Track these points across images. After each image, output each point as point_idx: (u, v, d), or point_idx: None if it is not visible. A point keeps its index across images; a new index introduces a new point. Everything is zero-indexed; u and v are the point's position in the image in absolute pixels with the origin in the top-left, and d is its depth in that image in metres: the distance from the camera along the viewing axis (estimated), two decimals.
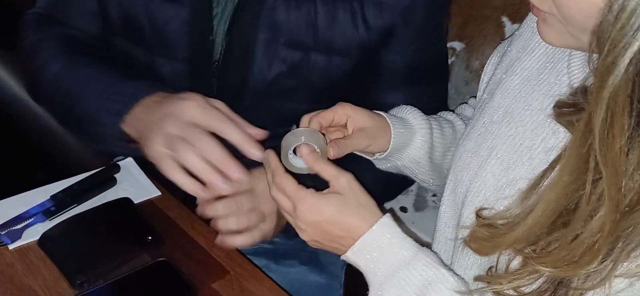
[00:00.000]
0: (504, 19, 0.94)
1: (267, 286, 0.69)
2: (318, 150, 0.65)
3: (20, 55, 0.91)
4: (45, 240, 0.71)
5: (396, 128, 0.72)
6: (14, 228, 0.74)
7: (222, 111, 0.69)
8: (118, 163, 0.86)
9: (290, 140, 0.65)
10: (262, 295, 0.68)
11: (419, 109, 0.80)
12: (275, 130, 0.72)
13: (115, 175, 0.84)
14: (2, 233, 0.73)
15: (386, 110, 0.77)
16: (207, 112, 0.67)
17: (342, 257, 0.65)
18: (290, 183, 0.63)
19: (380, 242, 0.62)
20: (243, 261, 0.72)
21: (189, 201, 0.80)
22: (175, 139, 0.65)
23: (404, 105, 0.77)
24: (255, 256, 0.80)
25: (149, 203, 0.81)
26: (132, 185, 0.84)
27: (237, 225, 0.71)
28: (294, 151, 0.66)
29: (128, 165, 0.87)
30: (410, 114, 0.75)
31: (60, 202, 0.78)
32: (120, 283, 0.67)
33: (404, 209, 1.16)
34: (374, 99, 0.83)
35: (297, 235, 0.66)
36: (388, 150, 0.72)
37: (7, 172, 1.89)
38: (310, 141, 0.65)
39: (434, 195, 1.10)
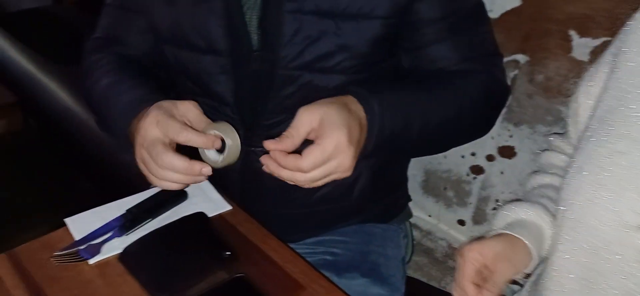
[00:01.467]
0: (572, 33, 0.92)
1: None
2: (230, 142, 0.73)
3: (80, 76, 0.95)
4: (126, 256, 0.73)
5: (530, 240, 0.67)
6: (92, 243, 0.76)
7: (181, 118, 0.74)
8: None
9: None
10: None
11: (469, 57, 0.82)
12: None
13: (186, 189, 0.86)
14: (81, 248, 0.75)
15: (436, 65, 0.82)
16: (164, 128, 0.72)
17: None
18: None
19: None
20: (319, 277, 0.72)
21: (258, 217, 0.83)
22: (146, 163, 0.74)
23: (512, 206, 0.72)
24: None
25: (219, 217, 0.82)
26: (203, 199, 0.85)
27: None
28: None
29: None
30: (525, 213, 0.70)
31: (135, 216, 0.80)
32: None
33: (461, 222, 1.15)
34: (421, 56, 0.83)
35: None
36: (533, 260, 0.67)
37: (56, 182, 1.94)
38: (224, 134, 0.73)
39: (495, 208, 1.09)
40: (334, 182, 0.88)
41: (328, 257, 0.92)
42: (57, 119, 1.68)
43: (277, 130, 0.84)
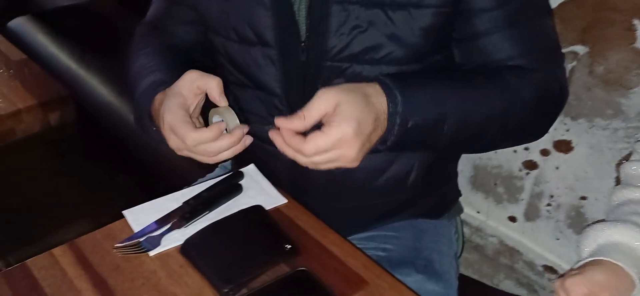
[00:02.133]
0: (636, 22, 0.89)
1: None
2: (233, 126, 0.74)
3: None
4: (187, 248, 0.72)
5: (630, 267, 0.63)
6: (152, 234, 0.76)
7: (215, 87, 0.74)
8: (241, 170, 0.88)
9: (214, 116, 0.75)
10: None
11: (526, 52, 0.78)
12: None
13: (241, 183, 0.85)
14: (142, 239, 0.75)
15: (489, 58, 0.78)
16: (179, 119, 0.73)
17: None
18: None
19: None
20: (381, 272, 0.71)
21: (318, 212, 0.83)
22: (182, 152, 0.75)
23: (602, 226, 0.68)
24: None
25: (276, 211, 0.81)
26: (258, 192, 0.84)
27: None
28: None
29: (251, 172, 0.88)
30: (619, 234, 0.66)
31: (192, 209, 0.79)
32: (265, 291, 0.67)
33: (512, 219, 1.12)
34: (472, 48, 0.80)
35: None
36: (636, 288, 0.64)
37: (97, 176, 1.96)
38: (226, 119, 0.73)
39: (549, 204, 1.06)
40: (389, 175, 0.87)
41: (380, 253, 0.91)
42: (98, 114, 1.70)
43: None
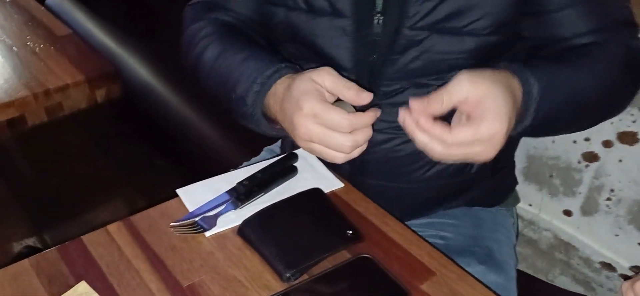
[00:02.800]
0: None
1: (480, 291, 0.64)
2: None
3: (182, 44, 0.93)
4: (245, 229, 0.70)
5: None
6: (207, 215, 0.74)
7: (330, 81, 0.69)
8: (295, 152, 0.85)
9: None
10: None
11: (601, 27, 0.75)
12: (439, 79, 0.75)
13: (296, 164, 0.82)
14: (198, 219, 0.73)
15: (560, 33, 0.75)
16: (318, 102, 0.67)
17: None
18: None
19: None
20: (447, 261, 0.68)
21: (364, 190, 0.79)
22: (313, 142, 0.68)
23: None
24: None
25: (333, 195, 0.78)
26: (313, 175, 0.81)
27: None
28: None
29: (304, 154, 0.85)
30: None
31: (248, 190, 0.77)
32: (326, 279, 0.64)
33: (567, 213, 1.08)
34: (545, 22, 0.77)
35: None
36: None
37: (133, 156, 1.96)
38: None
39: (609, 199, 1.01)
40: None
41: (439, 240, 0.87)
42: (136, 94, 1.69)
43: (396, 98, 0.80)
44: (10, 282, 0.64)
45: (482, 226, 0.90)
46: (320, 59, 0.82)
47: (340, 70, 0.81)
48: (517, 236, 1.02)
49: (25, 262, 0.66)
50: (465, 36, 0.75)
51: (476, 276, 0.75)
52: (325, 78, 0.69)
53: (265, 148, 1.09)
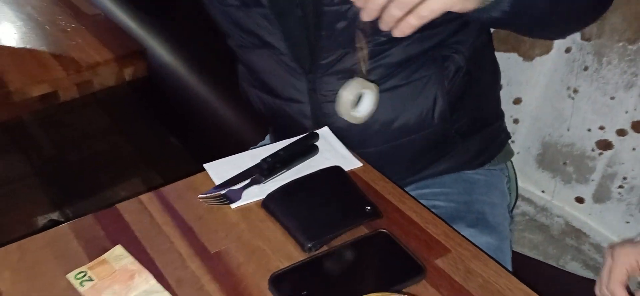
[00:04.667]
0: None
1: (493, 267, 0.67)
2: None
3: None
4: (269, 202, 0.74)
5: None
6: (233, 188, 0.78)
7: None
8: (316, 132, 0.88)
9: (349, 92, 0.71)
10: (490, 278, 0.66)
11: None
12: (372, 41, 0.79)
13: (317, 143, 0.86)
14: (224, 192, 0.77)
15: None
16: None
17: None
18: None
19: None
20: (462, 240, 0.71)
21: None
22: None
23: None
24: None
25: (352, 173, 0.81)
26: (333, 155, 0.85)
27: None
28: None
29: (325, 134, 0.89)
30: None
31: (271, 166, 0.80)
32: (345, 250, 0.67)
33: (580, 199, 1.10)
34: None
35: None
36: None
37: (150, 135, 2.01)
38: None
39: (621, 187, 1.03)
40: (412, 111, 0.85)
41: (432, 210, 0.90)
42: (154, 75, 1.73)
43: (338, 66, 0.85)
44: (51, 244, 0.69)
45: (474, 191, 0.93)
46: (264, 45, 0.87)
47: (280, 54, 0.87)
48: (517, 193, 1.04)
49: (64, 226, 0.71)
50: None
51: (468, 238, 0.78)
52: None
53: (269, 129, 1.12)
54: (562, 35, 0.91)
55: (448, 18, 0.65)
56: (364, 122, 0.82)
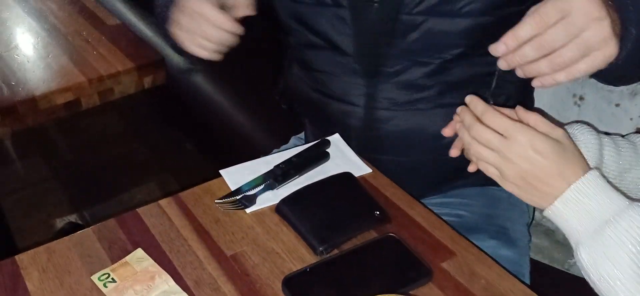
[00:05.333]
0: None
1: (497, 271, 0.70)
2: None
3: None
4: (282, 207, 0.77)
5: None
6: (248, 193, 0.81)
7: None
8: (328, 139, 0.92)
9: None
10: (494, 280, 0.68)
11: None
12: (438, 57, 0.82)
13: (328, 150, 0.89)
14: (239, 197, 0.80)
15: None
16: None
17: (545, 211, 0.63)
18: (505, 118, 0.63)
19: (595, 190, 0.60)
20: (468, 245, 0.73)
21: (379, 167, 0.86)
22: (187, 26, 0.79)
23: (576, 123, 0.74)
24: None
25: (362, 180, 0.85)
26: (343, 161, 0.88)
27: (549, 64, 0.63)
28: None
29: (336, 141, 0.92)
30: (578, 129, 0.72)
31: (284, 172, 0.84)
32: (355, 254, 0.71)
33: None
34: None
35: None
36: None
37: (165, 141, 2.06)
38: None
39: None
40: None
41: (454, 218, 0.93)
42: (170, 82, 1.78)
43: (401, 77, 0.86)
44: (77, 246, 0.73)
45: (497, 206, 0.95)
46: (329, 46, 0.88)
47: (345, 56, 0.88)
48: (533, 215, 1.06)
49: (88, 230, 0.75)
50: (461, 17, 0.80)
51: (488, 251, 0.81)
52: None
53: (293, 137, 1.16)
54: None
55: None
56: (416, 133, 0.87)
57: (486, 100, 0.72)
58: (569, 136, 0.65)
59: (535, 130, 0.64)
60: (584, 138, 0.72)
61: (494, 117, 0.64)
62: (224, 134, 1.73)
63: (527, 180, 0.62)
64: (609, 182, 0.62)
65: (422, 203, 0.80)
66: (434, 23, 0.81)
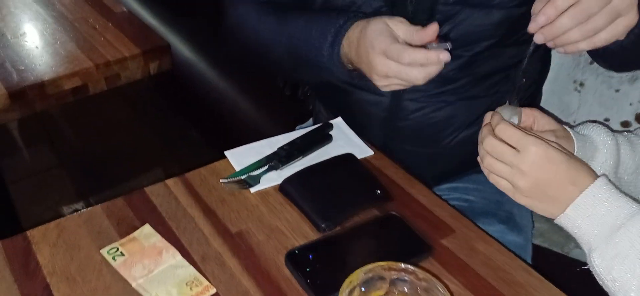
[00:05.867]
0: None
1: (496, 247, 0.71)
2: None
3: (228, 30, 1.01)
4: (285, 187, 0.79)
5: (578, 142, 0.70)
6: (252, 174, 0.83)
7: (399, 30, 0.74)
8: (331, 122, 0.93)
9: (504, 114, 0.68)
10: (492, 255, 0.70)
11: None
12: (470, 49, 0.82)
13: (331, 133, 0.91)
14: (244, 177, 0.82)
15: None
16: (391, 42, 0.73)
17: (557, 219, 0.64)
18: (516, 131, 0.64)
19: (606, 195, 0.61)
20: (468, 222, 0.75)
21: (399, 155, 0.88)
22: (390, 78, 0.74)
23: (590, 123, 0.75)
24: None
25: (364, 161, 0.86)
26: (346, 143, 0.90)
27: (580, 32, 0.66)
28: None
29: (339, 123, 0.94)
30: (594, 131, 0.73)
31: (288, 153, 0.86)
32: (359, 230, 0.72)
33: None
34: None
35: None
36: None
37: (170, 128, 2.08)
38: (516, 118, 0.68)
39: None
40: (474, 127, 0.90)
41: (463, 203, 0.95)
42: (176, 69, 1.79)
43: None
44: (86, 223, 0.75)
45: (504, 193, 0.96)
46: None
47: None
48: None
49: (97, 207, 0.77)
50: (494, 9, 0.81)
51: (496, 234, 0.82)
52: (399, 26, 0.75)
53: (297, 127, 1.18)
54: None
55: None
56: (440, 125, 0.88)
57: (509, 93, 0.73)
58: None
59: (545, 139, 0.65)
60: (601, 140, 0.72)
61: (506, 129, 0.65)
62: (228, 122, 1.75)
63: (540, 189, 0.63)
64: (616, 187, 0.63)
65: (426, 183, 0.82)
66: (468, 14, 0.82)
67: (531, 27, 0.67)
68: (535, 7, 0.68)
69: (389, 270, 0.57)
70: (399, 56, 0.72)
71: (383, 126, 0.93)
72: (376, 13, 0.86)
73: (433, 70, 0.72)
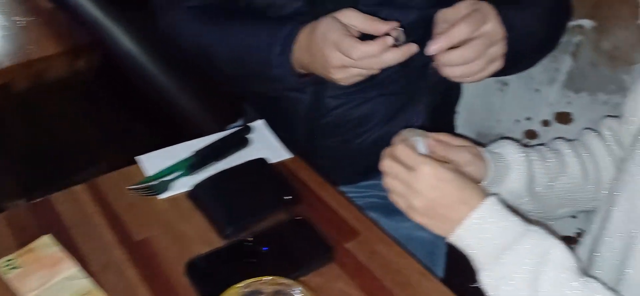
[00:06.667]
0: None
1: (396, 250, 0.73)
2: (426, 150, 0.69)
3: (162, 35, 0.99)
4: (194, 193, 0.78)
5: (492, 161, 0.72)
6: (164, 179, 0.82)
7: (352, 20, 0.76)
8: (249, 125, 0.93)
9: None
10: (392, 258, 0.71)
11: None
12: None
13: (248, 137, 0.90)
14: (154, 183, 0.81)
15: None
16: (343, 35, 0.74)
17: (449, 238, 0.64)
18: (410, 151, 0.66)
19: (495, 216, 0.62)
20: (371, 225, 0.76)
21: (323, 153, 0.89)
22: (347, 68, 0.76)
23: (503, 140, 0.78)
24: (367, 210, 0.84)
25: (280, 164, 0.87)
26: (264, 146, 0.90)
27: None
28: None
29: (260, 126, 0.93)
30: (506, 148, 0.75)
31: (202, 158, 0.85)
32: (263, 235, 0.72)
33: None
34: None
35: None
36: (485, 183, 0.72)
37: (115, 123, 2.04)
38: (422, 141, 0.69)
39: None
40: (397, 121, 0.91)
41: (376, 200, 0.96)
42: (118, 63, 1.76)
43: None
44: None
45: None
46: None
47: None
48: None
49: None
50: (410, 9, 0.83)
51: (405, 232, 0.83)
52: (351, 15, 0.76)
53: (227, 127, 1.16)
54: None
55: None
56: (361, 120, 0.90)
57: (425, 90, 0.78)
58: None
59: (441, 160, 0.66)
60: (512, 159, 0.74)
61: (402, 150, 0.66)
62: (170, 115, 1.74)
63: (434, 208, 0.64)
64: (507, 207, 0.63)
65: (337, 188, 0.82)
66: (388, 14, 0.81)
67: (428, 50, 0.72)
68: (435, 31, 0.74)
69: (271, 284, 0.57)
70: (350, 50, 0.73)
71: (306, 123, 0.94)
72: (296, 13, 0.86)
73: (389, 58, 0.74)
